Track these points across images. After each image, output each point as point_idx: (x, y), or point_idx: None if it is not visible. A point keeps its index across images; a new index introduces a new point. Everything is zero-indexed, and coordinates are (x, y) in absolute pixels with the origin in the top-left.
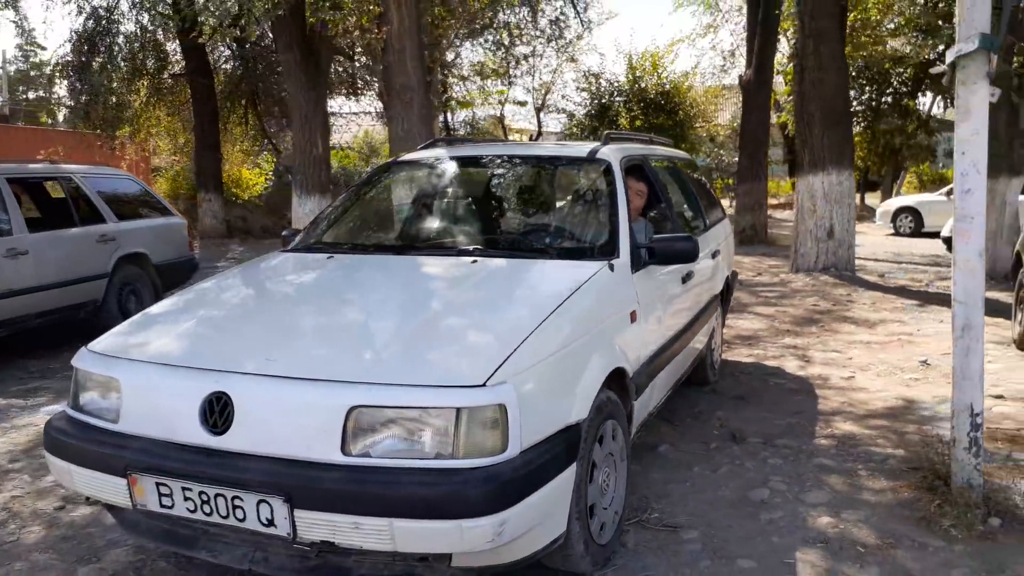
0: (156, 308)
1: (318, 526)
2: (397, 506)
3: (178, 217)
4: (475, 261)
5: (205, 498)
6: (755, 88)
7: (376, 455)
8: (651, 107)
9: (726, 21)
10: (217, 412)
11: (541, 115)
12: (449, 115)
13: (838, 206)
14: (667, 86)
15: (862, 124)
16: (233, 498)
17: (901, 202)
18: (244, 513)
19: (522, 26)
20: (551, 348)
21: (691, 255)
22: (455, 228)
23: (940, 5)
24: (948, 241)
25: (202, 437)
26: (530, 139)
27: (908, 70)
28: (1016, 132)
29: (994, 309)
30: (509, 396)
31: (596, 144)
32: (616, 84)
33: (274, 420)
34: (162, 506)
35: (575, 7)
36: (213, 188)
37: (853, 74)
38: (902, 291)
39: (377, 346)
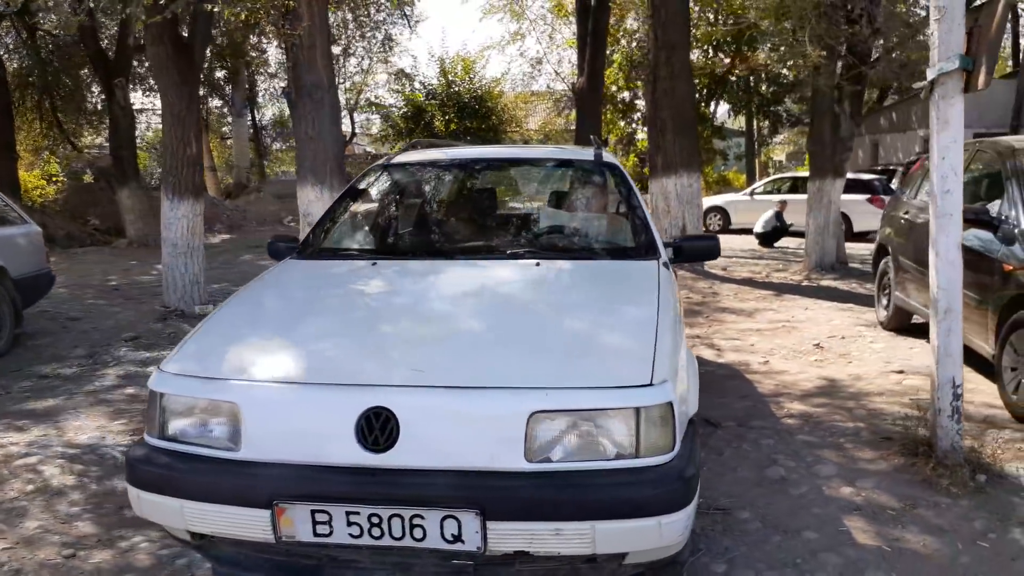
0: (217, 325)
1: (512, 536)
2: (601, 509)
3: (34, 225)
4: (539, 264)
5: (376, 520)
6: (588, 95)
7: (558, 459)
8: (465, 111)
9: (532, 30)
10: (378, 429)
11: (354, 116)
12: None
13: (689, 206)
14: (479, 91)
15: None
16: (412, 517)
17: (711, 202)
18: (424, 532)
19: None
20: (672, 345)
21: (716, 252)
22: (492, 231)
23: (730, 23)
24: (760, 236)
25: (361, 457)
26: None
27: (702, 79)
28: (838, 139)
29: (842, 296)
30: (672, 394)
31: (590, 148)
32: (430, 87)
33: (448, 433)
34: (316, 535)
35: (402, 10)
36: (8, 193)
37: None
38: (750, 282)
39: (533, 352)
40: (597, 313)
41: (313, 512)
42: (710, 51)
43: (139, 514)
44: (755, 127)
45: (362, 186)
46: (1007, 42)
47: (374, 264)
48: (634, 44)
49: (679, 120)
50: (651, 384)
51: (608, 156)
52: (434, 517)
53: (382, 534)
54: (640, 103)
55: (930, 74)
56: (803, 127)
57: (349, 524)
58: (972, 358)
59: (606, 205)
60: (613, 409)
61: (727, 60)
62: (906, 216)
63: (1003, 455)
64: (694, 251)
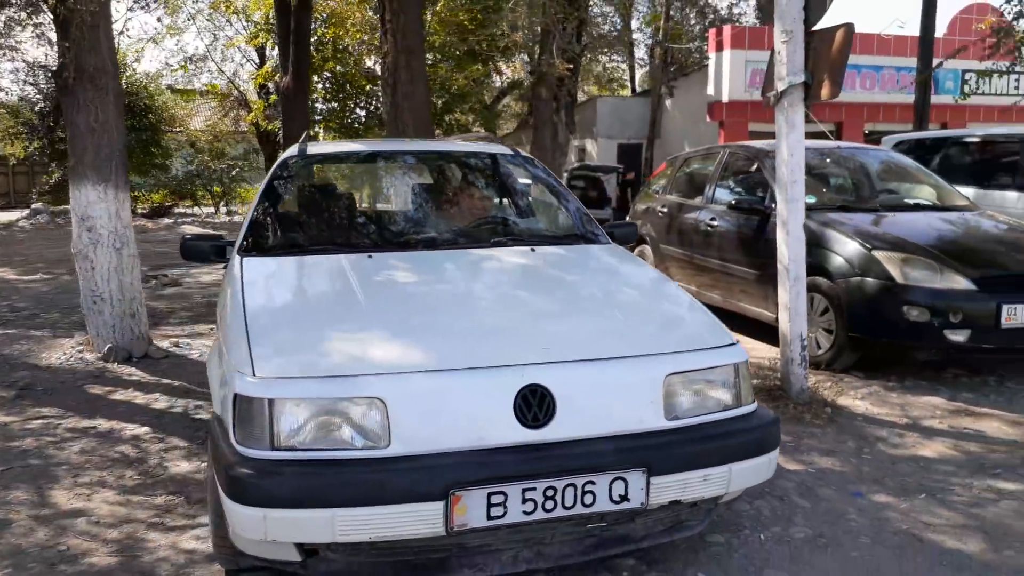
0: (271, 324)
1: (670, 488)
2: (735, 452)
3: None
4: (534, 250)
5: (551, 492)
6: (294, 94)
7: (685, 415)
8: None
9: (192, 24)
10: (536, 406)
11: None
12: None
13: None
14: (133, 87)
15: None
16: (584, 484)
17: None
18: (594, 497)
19: None
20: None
21: (635, 236)
22: (455, 221)
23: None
24: None
25: (524, 434)
26: None
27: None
28: (556, 144)
29: None
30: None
31: (495, 144)
32: None
33: (598, 401)
34: (490, 518)
35: None
36: None
37: (334, 90)
38: None
39: (643, 321)
40: (629, 287)
41: (489, 495)
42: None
43: (257, 538)
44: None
45: (283, 179)
46: (627, 64)
47: (370, 257)
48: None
49: (420, 124)
50: (735, 343)
51: (518, 150)
52: (604, 481)
53: (555, 506)
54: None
55: (780, 86)
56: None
57: (524, 501)
58: (748, 326)
59: (539, 193)
60: (721, 367)
61: None
62: (664, 210)
63: (827, 392)
64: (623, 236)
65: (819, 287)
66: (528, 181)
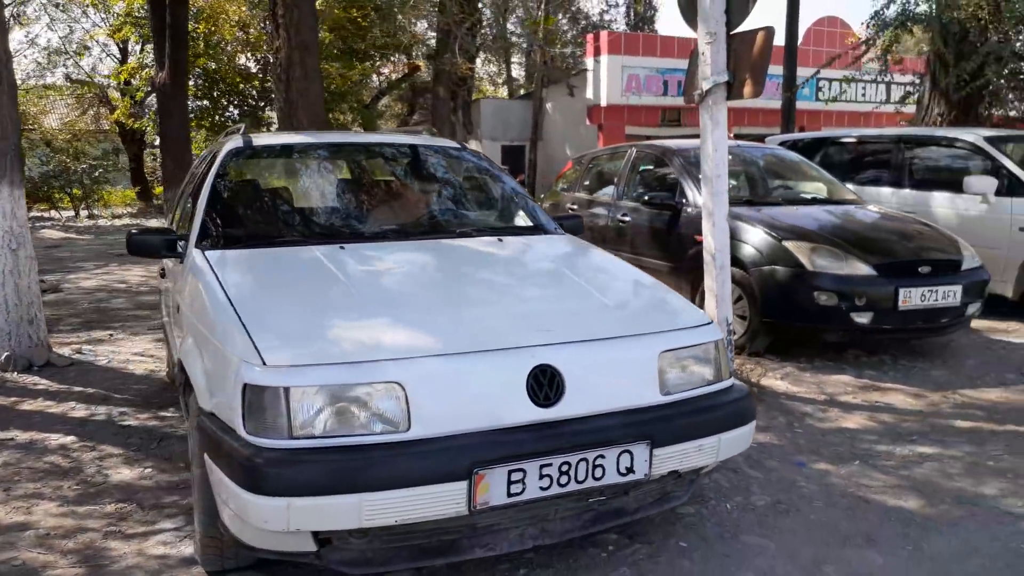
0: (267, 314)
1: (670, 459)
2: (726, 423)
3: None
4: (500, 240)
5: (565, 468)
6: (172, 91)
7: (676, 389)
8: None
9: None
10: (546, 385)
11: None
12: None
13: None
14: None
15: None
16: (596, 458)
17: None
18: (604, 470)
19: None
20: None
21: (582, 228)
22: (416, 213)
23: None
24: None
25: (537, 413)
26: None
27: (257, 84)
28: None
29: None
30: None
31: (439, 137)
32: None
33: (602, 379)
34: (510, 495)
35: None
36: None
37: (205, 87)
38: None
39: (627, 303)
40: (603, 273)
41: (510, 472)
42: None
43: (279, 528)
44: None
45: (232, 170)
46: (504, 67)
47: (343, 248)
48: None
49: (316, 123)
50: (711, 322)
51: (468, 145)
52: (612, 455)
53: (568, 480)
54: None
55: (705, 85)
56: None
57: (541, 477)
58: None
59: (490, 186)
60: (704, 344)
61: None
62: (574, 207)
63: (751, 374)
64: (572, 227)
65: (732, 276)
66: (477, 174)
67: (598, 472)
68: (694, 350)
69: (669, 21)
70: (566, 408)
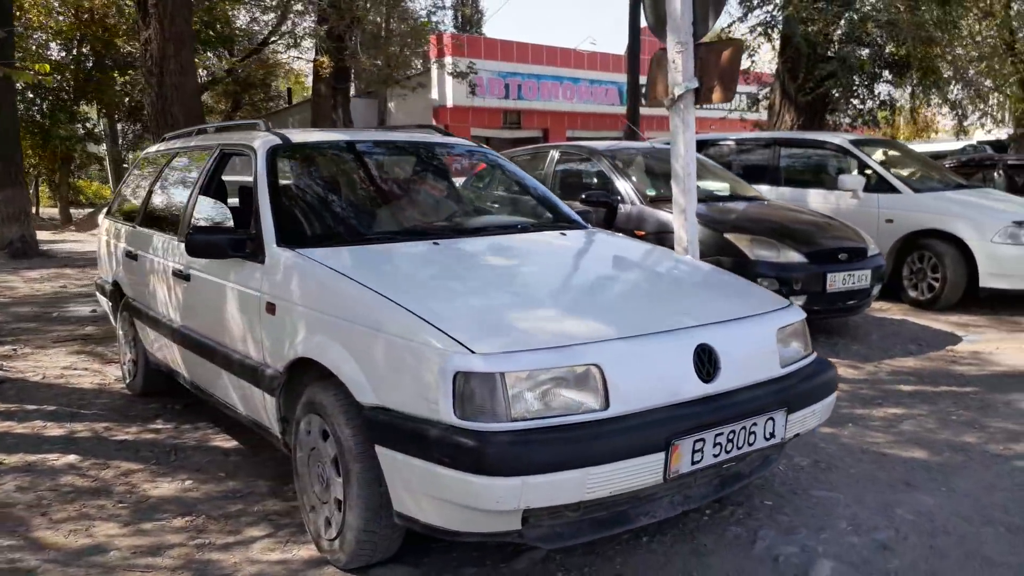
0: (447, 304)
1: (796, 424)
2: (821, 392)
3: None
4: (564, 234)
5: (731, 436)
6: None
7: (787, 362)
8: None
9: None
10: (707, 363)
11: None
12: None
13: None
14: None
15: (35, 131)
16: (751, 426)
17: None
18: (755, 436)
19: None
20: None
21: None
22: (472, 210)
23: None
24: None
25: (702, 388)
26: None
27: (70, 79)
28: None
29: None
30: None
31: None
32: None
33: (744, 354)
34: (692, 463)
35: None
36: None
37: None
38: None
39: (726, 288)
40: (680, 263)
41: (694, 443)
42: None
43: (511, 507)
44: (118, 130)
45: (282, 168)
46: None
47: (437, 244)
48: None
49: (192, 118)
50: (792, 303)
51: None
52: (761, 421)
53: (732, 448)
54: None
55: (677, 91)
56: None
57: (714, 445)
58: None
59: (514, 183)
60: (798, 322)
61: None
62: None
63: None
64: (589, 222)
65: None
66: (502, 172)
67: (751, 439)
68: (794, 327)
69: (495, 25)
70: (722, 383)
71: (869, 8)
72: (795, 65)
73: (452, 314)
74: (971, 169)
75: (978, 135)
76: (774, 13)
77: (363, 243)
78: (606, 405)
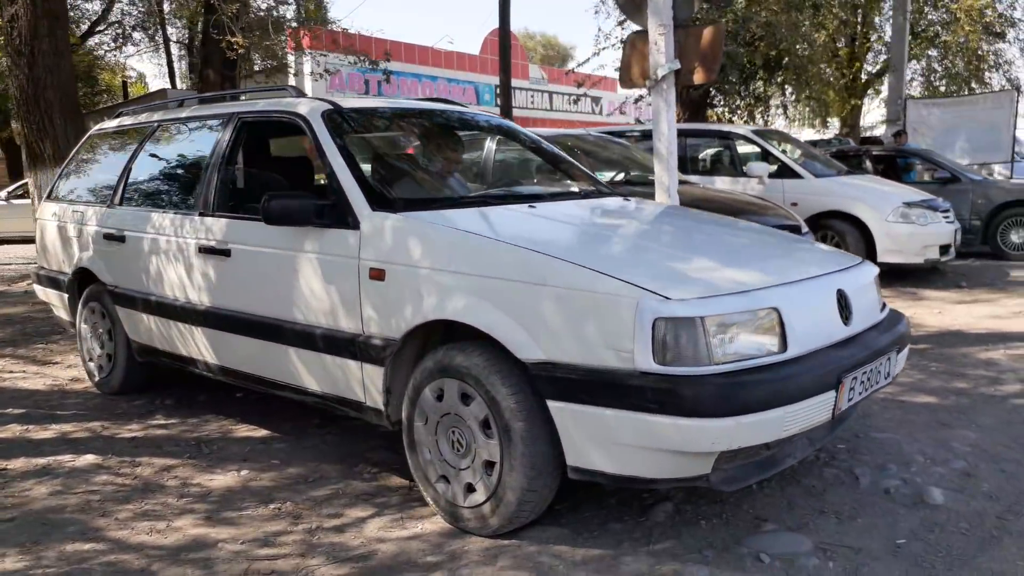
0: (608, 254)
1: (897, 364)
2: (902, 341)
3: None
4: (627, 199)
5: (871, 374)
6: None
7: (882, 310)
8: None
9: None
10: (844, 307)
11: None
12: None
13: None
14: None
15: None
16: (882, 365)
17: None
18: (881, 375)
19: None
20: None
21: None
22: (534, 176)
23: None
24: None
25: (844, 330)
26: None
27: None
28: None
29: None
30: None
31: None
32: None
33: (865, 300)
34: (848, 400)
35: None
36: None
37: None
38: None
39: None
40: (746, 224)
41: (852, 380)
42: None
43: (722, 447)
44: None
45: (349, 134)
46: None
47: (533, 207)
48: None
49: (68, 102)
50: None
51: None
52: (885, 360)
53: (869, 385)
54: None
55: (660, 72)
56: None
57: (862, 383)
58: None
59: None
60: (876, 277)
61: None
62: None
63: None
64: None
65: None
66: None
67: (878, 377)
68: (876, 279)
69: (355, 20)
70: (855, 325)
71: (744, 10)
72: None
73: (627, 266)
74: (843, 159)
75: (807, 133)
76: None
77: (458, 207)
78: (784, 347)
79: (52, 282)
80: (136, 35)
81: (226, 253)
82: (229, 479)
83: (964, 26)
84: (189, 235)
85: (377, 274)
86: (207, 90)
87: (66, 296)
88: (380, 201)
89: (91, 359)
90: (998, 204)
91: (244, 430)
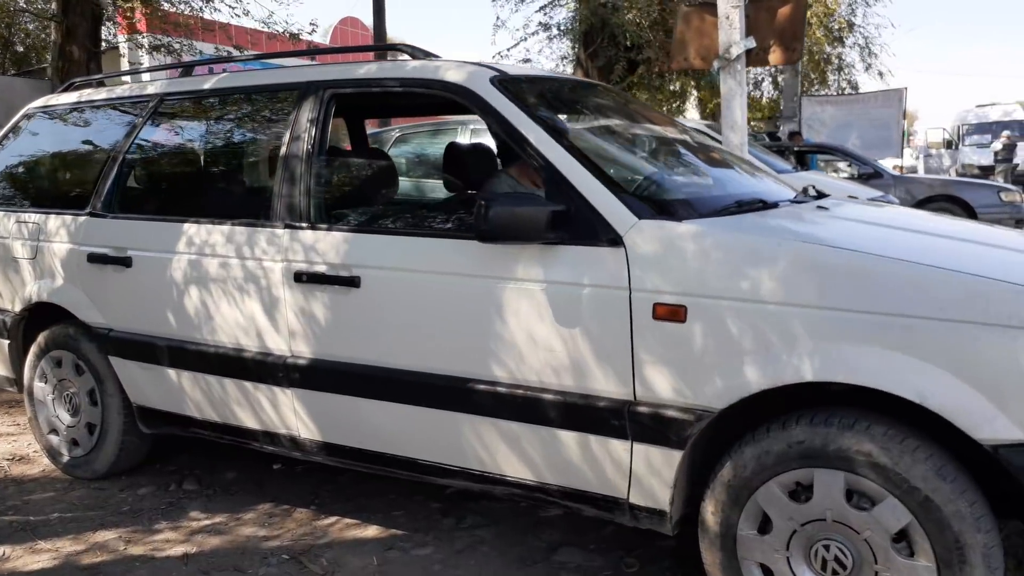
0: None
1: None
2: None
3: None
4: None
5: None
6: None
7: None
8: None
9: None
10: None
11: None
12: None
13: None
14: None
15: None
16: None
17: None
18: None
19: None
20: None
21: None
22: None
23: None
24: None
25: None
26: None
27: None
28: None
29: None
30: None
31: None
32: None
33: None
34: None
35: None
36: None
37: None
38: None
39: None
40: None
41: None
42: None
43: None
44: None
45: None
46: None
47: (823, 208)
48: None
49: None
50: None
51: None
52: None
53: None
54: None
55: (735, 51)
56: None
57: None
58: None
59: None
60: None
61: None
62: None
63: None
64: None
65: None
66: None
67: None
68: None
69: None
70: None
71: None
72: (580, 56)
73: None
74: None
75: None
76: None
77: (723, 214)
78: None
79: None
80: None
81: (352, 282)
82: (302, 518)
83: (816, 31)
84: (268, 256)
85: (670, 312)
86: (69, 68)
87: (5, 344)
88: (648, 206)
89: (53, 431)
90: (920, 199)
91: (345, 527)
